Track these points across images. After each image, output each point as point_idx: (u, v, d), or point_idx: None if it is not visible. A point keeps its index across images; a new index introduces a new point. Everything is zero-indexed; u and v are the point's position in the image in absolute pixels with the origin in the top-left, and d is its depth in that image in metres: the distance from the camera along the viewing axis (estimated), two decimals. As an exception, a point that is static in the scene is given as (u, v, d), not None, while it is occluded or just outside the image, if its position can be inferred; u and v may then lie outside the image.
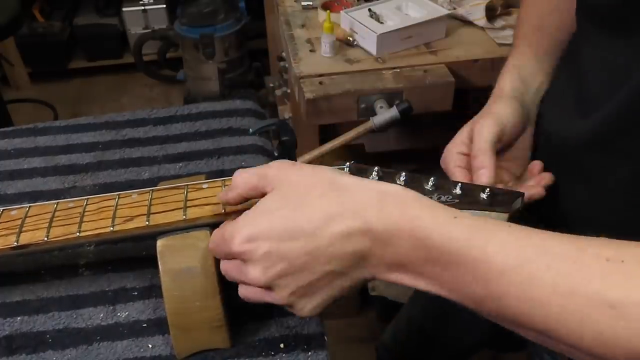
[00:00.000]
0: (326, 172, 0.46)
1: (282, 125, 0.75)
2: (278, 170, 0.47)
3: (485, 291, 0.39)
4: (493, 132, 0.64)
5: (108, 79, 3.09)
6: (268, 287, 0.46)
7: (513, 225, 0.41)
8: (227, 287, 0.62)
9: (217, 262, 0.55)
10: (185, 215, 0.55)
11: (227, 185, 0.57)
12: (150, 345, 0.59)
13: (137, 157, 0.82)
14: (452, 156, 0.66)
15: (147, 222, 0.55)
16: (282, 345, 0.58)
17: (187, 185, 0.58)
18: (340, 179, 0.45)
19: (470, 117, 0.70)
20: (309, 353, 0.58)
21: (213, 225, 0.56)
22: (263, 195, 0.48)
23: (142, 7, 2.89)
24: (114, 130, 0.87)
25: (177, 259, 0.55)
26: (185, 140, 0.85)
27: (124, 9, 2.90)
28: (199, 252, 0.55)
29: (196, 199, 0.57)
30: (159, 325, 0.60)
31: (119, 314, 0.61)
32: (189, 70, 2.63)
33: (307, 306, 0.47)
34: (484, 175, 0.61)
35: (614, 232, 0.40)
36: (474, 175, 0.63)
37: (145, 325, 0.60)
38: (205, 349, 0.58)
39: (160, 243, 0.55)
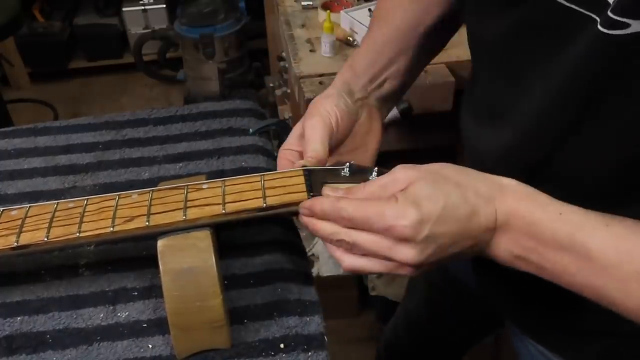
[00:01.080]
0: (451, 165, 0.52)
1: (282, 125, 0.75)
2: (406, 170, 0.51)
3: (586, 281, 0.47)
4: (323, 131, 0.62)
5: (108, 79, 3.09)
6: (415, 266, 0.50)
7: (610, 223, 0.47)
8: (228, 287, 0.62)
9: (218, 262, 0.55)
10: (185, 215, 0.55)
11: (227, 185, 0.57)
12: (150, 346, 0.59)
13: (137, 157, 0.82)
14: (285, 156, 0.64)
15: (147, 223, 0.55)
16: (282, 346, 0.58)
17: (187, 185, 0.58)
18: (467, 170, 0.52)
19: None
20: (309, 353, 0.58)
21: (213, 225, 0.56)
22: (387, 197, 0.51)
23: (142, 7, 2.89)
24: (114, 130, 0.87)
25: (177, 259, 0.55)
26: (186, 140, 0.85)
27: (124, 9, 2.90)
28: (200, 252, 0.55)
29: (196, 199, 0.57)
30: (159, 326, 0.60)
31: (119, 314, 0.62)
32: (189, 70, 2.63)
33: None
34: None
35: None
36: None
37: (145, 325, 0.61)
38: (205, 349, 0.58)
39: (160, 243, 0.55)
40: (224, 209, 0.55)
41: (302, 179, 0.57)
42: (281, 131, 0.74)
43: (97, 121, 0.89)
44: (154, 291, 0.64)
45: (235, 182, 0.58)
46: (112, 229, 0.55)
